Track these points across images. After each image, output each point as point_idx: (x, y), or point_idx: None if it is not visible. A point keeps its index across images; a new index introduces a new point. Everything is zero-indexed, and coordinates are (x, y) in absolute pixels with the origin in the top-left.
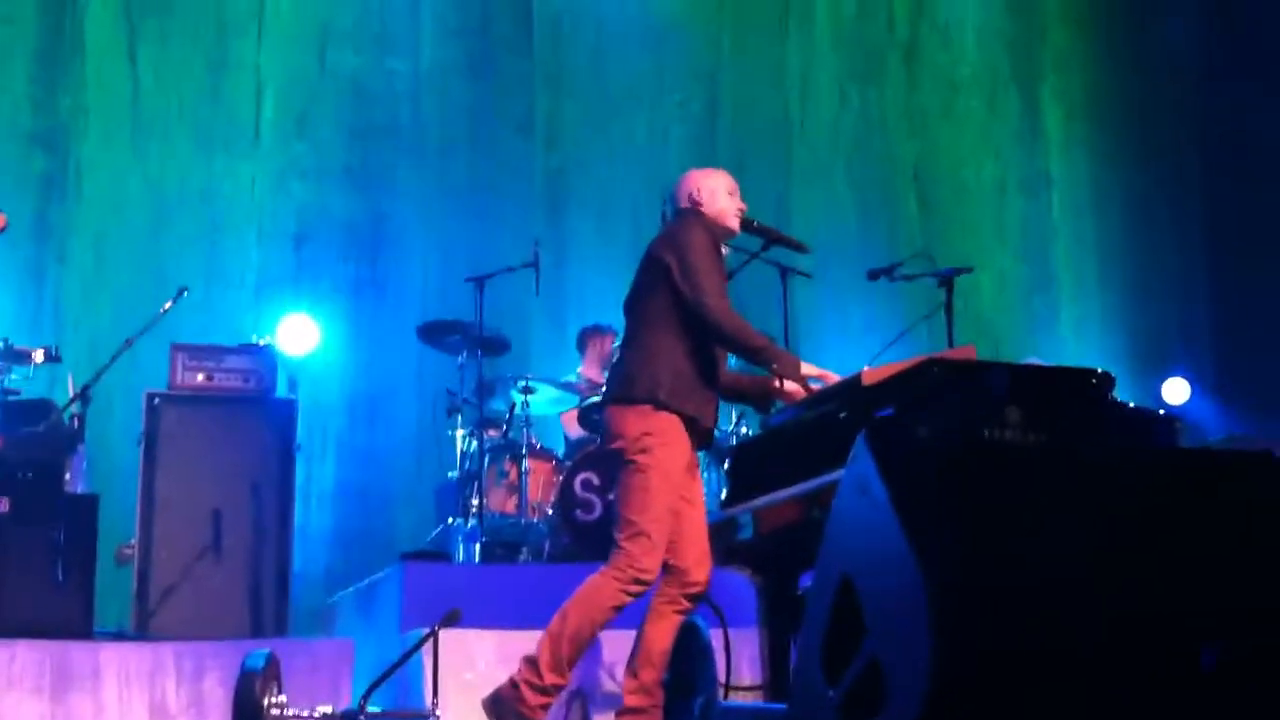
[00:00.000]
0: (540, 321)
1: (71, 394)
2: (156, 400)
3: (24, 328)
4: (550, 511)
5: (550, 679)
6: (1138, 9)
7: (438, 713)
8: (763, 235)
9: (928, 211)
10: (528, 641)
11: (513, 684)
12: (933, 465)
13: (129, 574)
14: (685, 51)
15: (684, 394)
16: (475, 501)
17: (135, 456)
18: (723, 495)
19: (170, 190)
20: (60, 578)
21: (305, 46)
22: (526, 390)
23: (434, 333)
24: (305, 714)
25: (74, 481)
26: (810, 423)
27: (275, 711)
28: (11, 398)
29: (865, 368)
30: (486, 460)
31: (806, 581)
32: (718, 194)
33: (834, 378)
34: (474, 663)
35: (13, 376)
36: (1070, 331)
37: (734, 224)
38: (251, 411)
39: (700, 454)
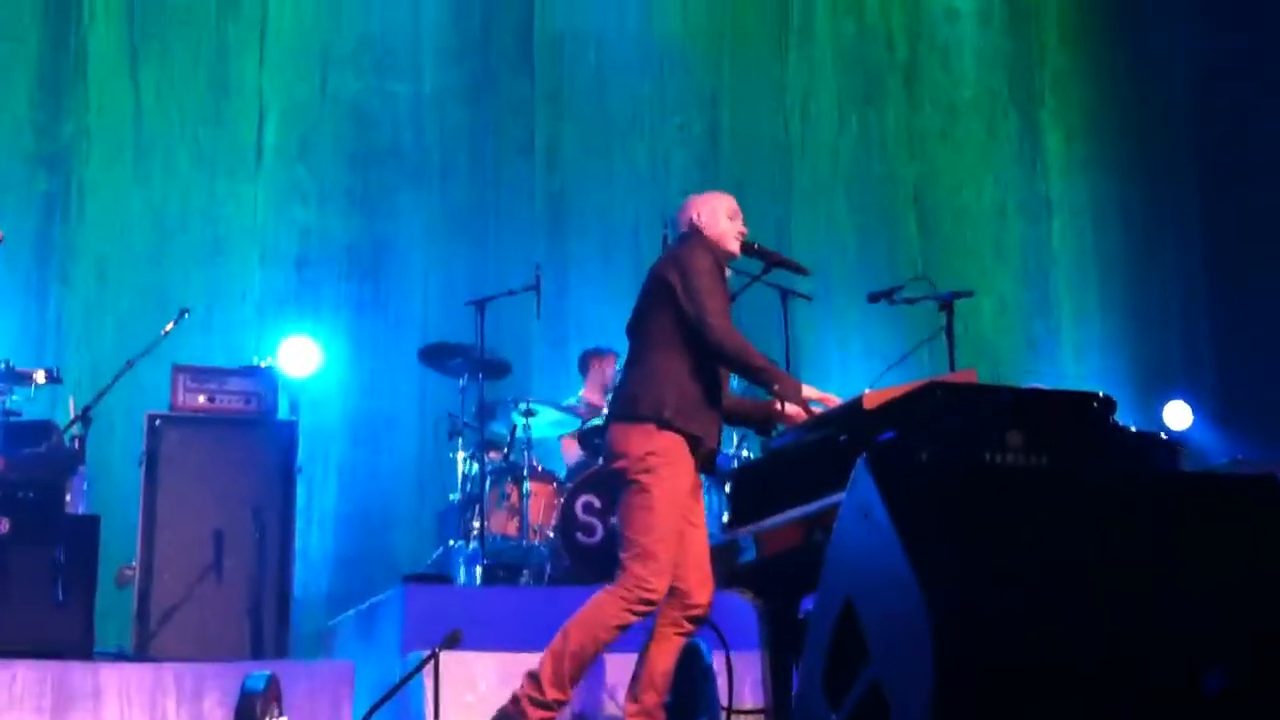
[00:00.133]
0: (541, 344)
1: (73, 415)
2: (158, 421)
3: (26, 348)
4: (551, 534)
5: (552, 694)
6: (1137, 32)
7: None
8: (763, 258)
9: (928, 234)
10: (529, 663)
11: (514, 699)
12: (935, 488)
13: (130, 595)
14: (686, 74)
15: (689, 413)
16: (476, 524)
17: (136, 478)
18: (724, 518)
19: (172, 212)
20: (61, 598)
21: (307, 70)
22: (528, 413)
23: (435, 355)
24: None
25: (75, 502)
26: (812, 446)
27: None
28: (13, 419)
29: (867, 391)
30: (488, 483)
31: (808, 605)
32: (719, 217)
33: (835, 400)
34: (475, 685)
35: (14, 397)
36: (1071, 355)
37: (734, 247)
38: (253, 433)
39: (702, 477)
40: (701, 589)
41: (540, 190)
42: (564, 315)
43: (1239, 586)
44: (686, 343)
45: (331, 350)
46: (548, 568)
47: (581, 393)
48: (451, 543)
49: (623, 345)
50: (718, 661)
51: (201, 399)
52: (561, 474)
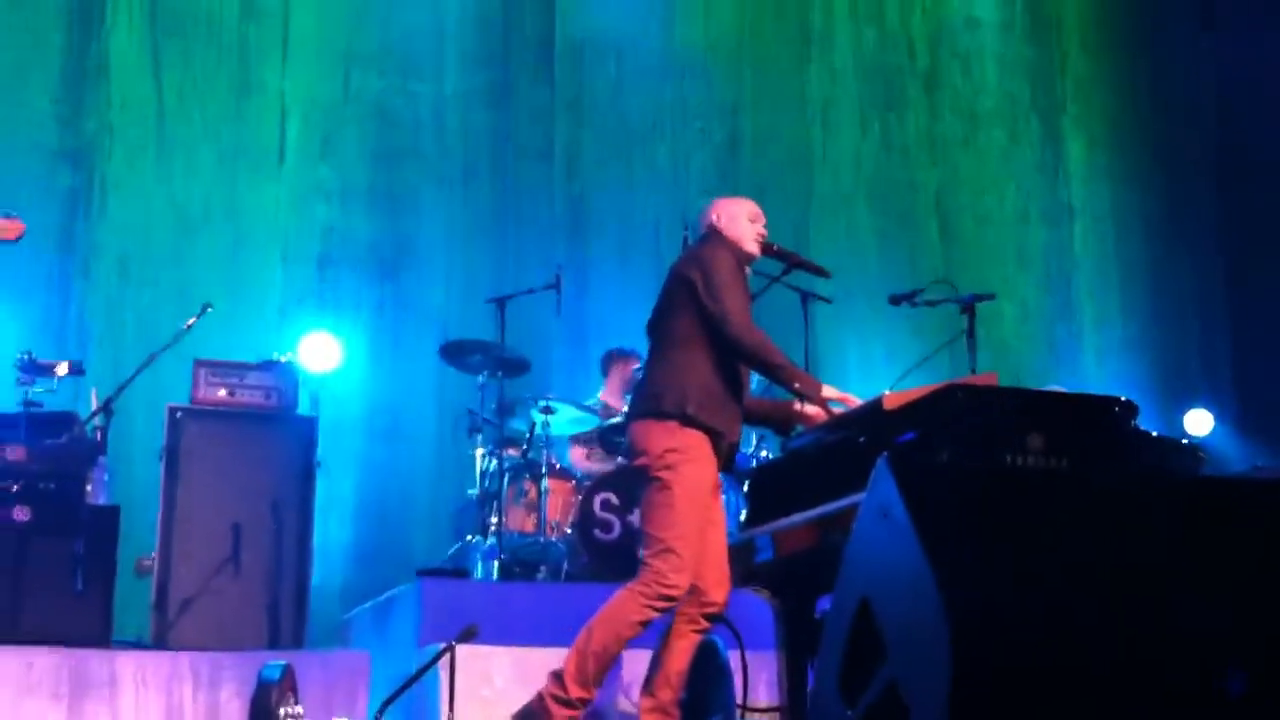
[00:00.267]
0: (561, 344)
1: (94, 407)
2: (179, 414)
3: (48, 342)
4: (569, 531)
5: (576, 693)
6: (1158, 40)
7: None
8: (783, 259)
9: (949, 241)
10: (545, 659)
11: (539, 698)
12: (955, 490)
13: (148, 585)
14: (706, 80)
15: (711, 409)
16: (494, 520)
17: (157, 470)
18: (742, 517)
19: (194, 209)
20: (80, 587)
21: (330, 70)
22: (546, 410)
23: (455, 352)
24: None
25: (96, 493)
26: (831, 446)
27: None
28: (35, 410)
29: (887, 392)
30: (506, 479)
31: (825, 605)
32: (739, 219)
33: (855, 401)
34: (490, 679)
35: (36, 389)
36: (1093, 361)
37: (754, 248)
38: (273, 427)
39: (721, 475)
40: (718, 587)
41: (560, 194)
42: (583, 316)
43: (1255, 591)
44: (708, 340)
45: (352, 347)
46: (565, 564)
47: (600, 394)
48: (469, 538)
49: (644, 347)
50: (733, 660)
51: (222, 393)
52: (580, 471)
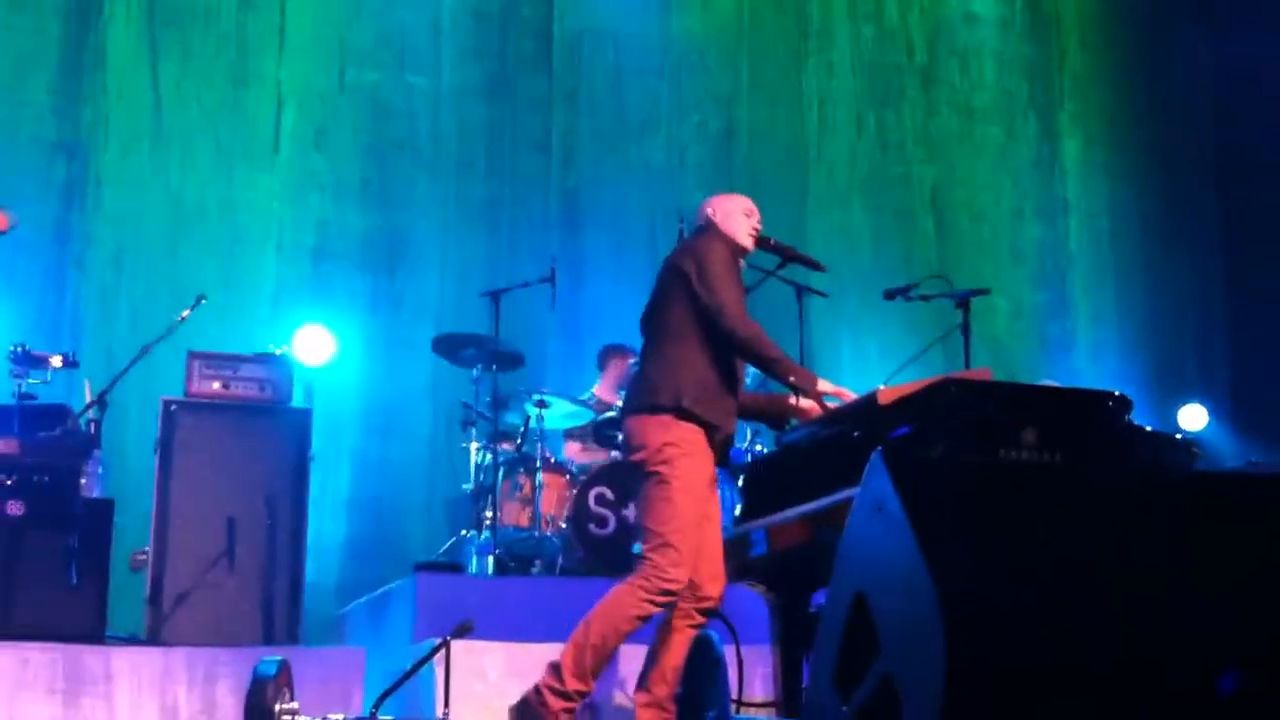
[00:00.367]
0: (555, 338)
1: (88, 399)
2: (173, 407)
3: (43, 334)
4: (564, 525)
5: (573, 685)
6: (1156, 38)
7: None
8: (778, 253)
9: (945, 237)
10: (540, 654)
11: (536, 690)
12: (949, 485)
13: (143, 580)
14: (703, 74)
15: (706, 402)
16: (489, 514)
17: (151, 463)
18: (737, 511)
19: (190, 201)
20: (74, 582)
21: (325, 62)
22: (541, 404)
23: (449, 346)
24: None
25: (89, 486)
26: (826, 440)
27: (287, 718)
28: (28, 402)
29: (881, 386)
30: (500, 473)
31: (820, 599)
32: (733, 215)
33: (850, 395)
34: (485, 674)
35: (30, 381)
36: (1087, 357)
37: (748, 242)
38: (267, 420)
39: (716, 470)
40: (713, 581)
41: (556, 186)
42: (578, 309)
43: (1253, 587)
44: (702, 332)
45: (346, 339)
46: (560, 559)
47: (595, 389)
48: (464, 532)
49: (639, 342)
50: (728, 654)
51: (216, 385)
52: (574, 465)
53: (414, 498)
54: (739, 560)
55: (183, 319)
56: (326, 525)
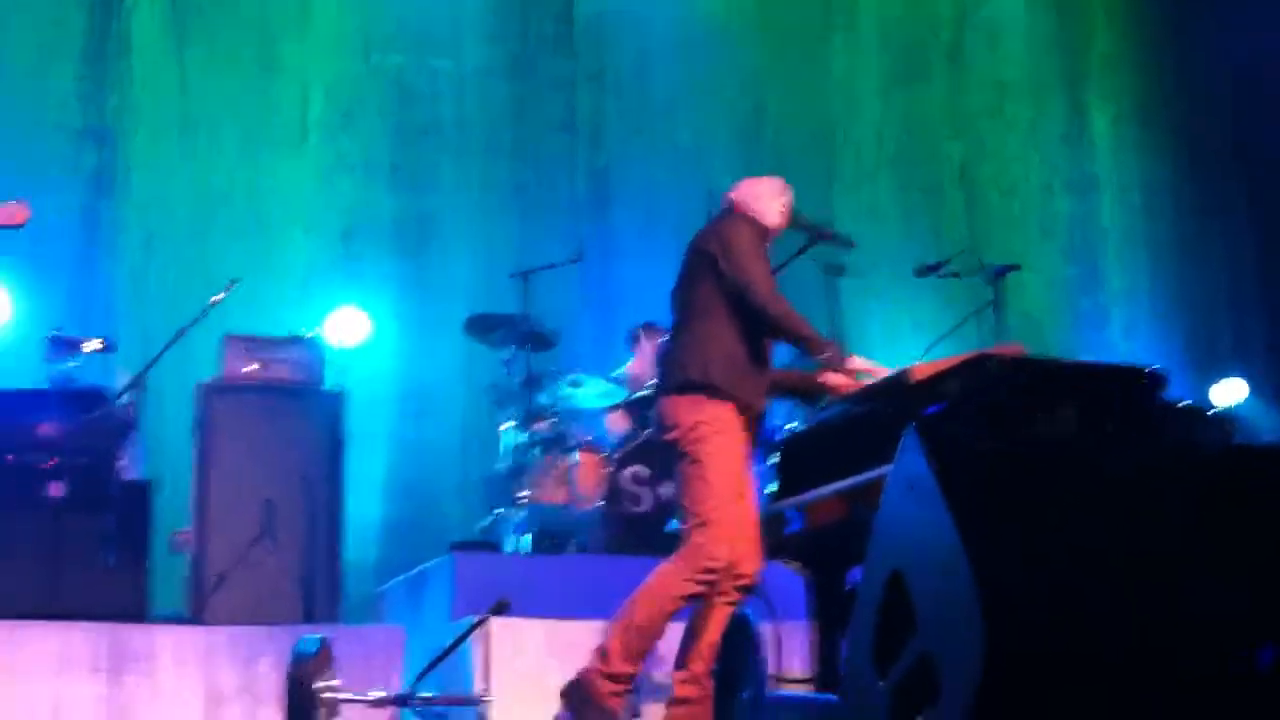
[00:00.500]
0: (586, 317)
1: (123, 383)
2: (209, 390)
3: (75, 320)
4: (599, 503)
5: (620, 668)
6: (1186, 12)
7: (488, 698)
8: (808, 231)
9: (974, 213)
10: (576, 631)
11: (586, 673)
12: (983, 460)
13: (183, 560)
14: (729, 53)
15: (736, 378)
16: (524, 493)
17: (187, 445)
18: (771, 489)
19: (218, 186)
20: (110, 562)
21: (350, 45)
22: (574, 384)
23: (481, 326)
24: (358, 698)
25: (128, 469)
26: (859, 417)
27: (328, 695)
28: (67, 386)
29: (915, 363)
30: (535, 452)
31: (856, 576)
32: (761, 196)
33: (883, 371)
34: (523, 651)
35: (67, 365)
36: (1120, 332)
37: (777, 220)
38: (302, 402)
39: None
40: (750, 559)
41: (583, 166)
42: (608, 288)
43: None
44: (731, 309)
45: (378, 321)
46: (595, 537)
47: (628, 366)
48: (499, 511)
49: (669, 321)
50: (766, 631)
51: (252, 368)
52: (609, 443)
53: (449, 477)
54: (774, 538)
55: (215, 302)
56: (363, 506)
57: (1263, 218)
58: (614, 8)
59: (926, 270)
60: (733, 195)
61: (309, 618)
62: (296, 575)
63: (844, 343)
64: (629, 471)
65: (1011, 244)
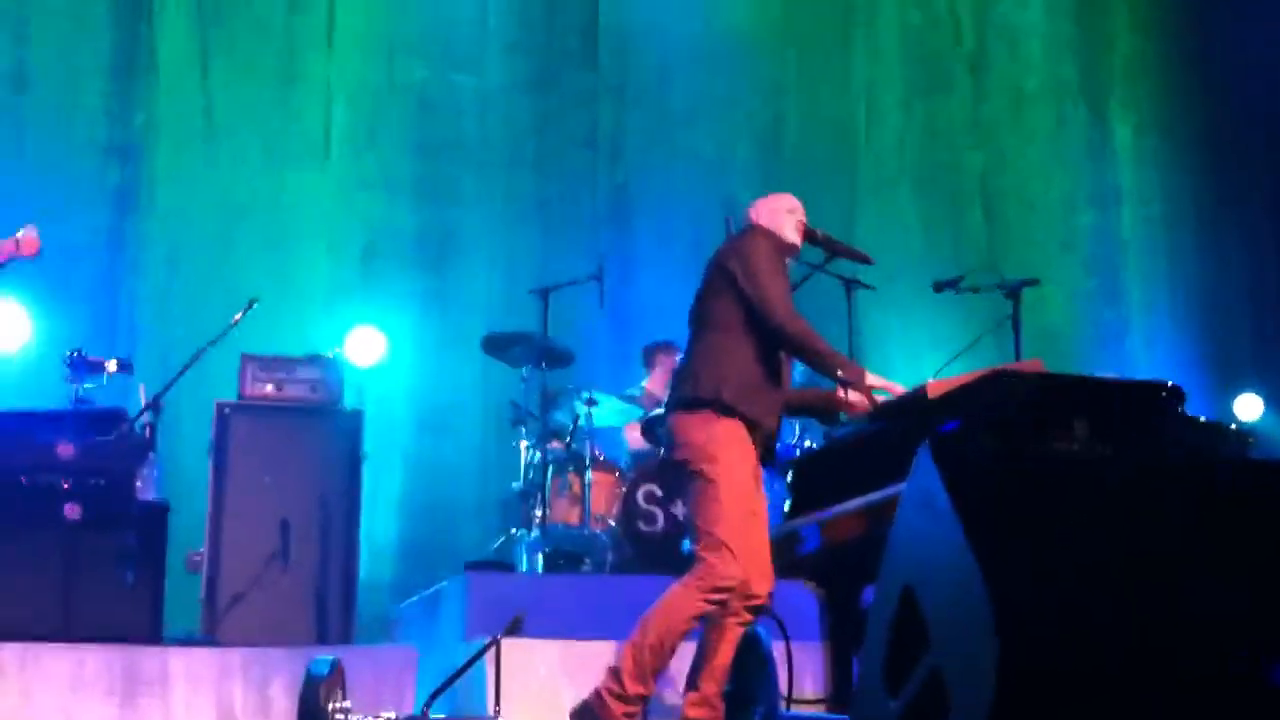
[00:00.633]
0: (604, 334)
1: (143, 403)
2: (226, 410)
3: (99, 338)
4: (613, 523)
5: (633, 689)
6: (1208, 20)
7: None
8: (826, 247)
9: (994, 224)
10: (590, 651)
11: (598, 694)
12: (998, 478)
13: (198, 581)
14: (751, 65)
15: (748, 396)
16: (538, 512)
17: (205, 465)
18: (786, 507)
19: (241, 201)
20: (129, 583)
21: (374, 60)
22: (590, 402)
23: (498, 344)
24: (370, 719)
25: (145, 489)
26: (875, 435)
27: (340, 717)
28: (84, 407)
29: (930, 380)
30: (550, 471)
31: (870, 596)
32: (778, 212)
33: (899, 389)
34: (536, 671)
35: (86, 386)
36: (1141, 346)
37: (794, 237)
38: (319, 422)
39: (762, 466)
40: (761, 580)
41: (604, 181)
42: (627, 305)
43: None
44: (747, 327)
45: (397, 339)
46: (609, 556)
47: (645, 384)
48: (514, 531)
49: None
50: (778, 651)
51: (269, 388)
52: (624, 462)
53: (465, 497)
54: (788, 557)
55: (235, 323)
56: (379, 525)
57: None
58: (638, 21)
59: (944, 285)
60: (750, 214)
61: (322, 638)
62: (310, 596)
63: (862, 358)
64: (643, 491)
65: (1032, 256)
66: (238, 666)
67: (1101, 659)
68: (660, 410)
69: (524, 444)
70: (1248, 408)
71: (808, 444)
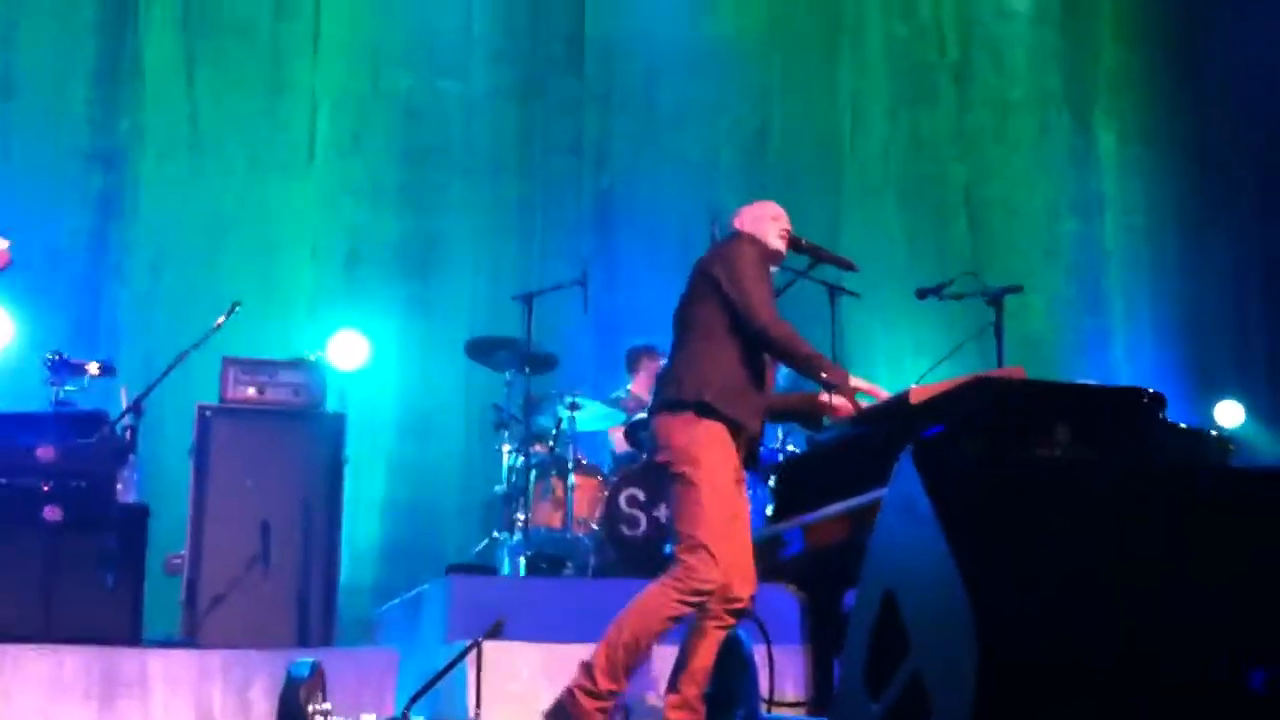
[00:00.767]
0: (588, 339)
1: (124, 406)
2: (208, 413)
3: (81, 342)
4: (596, 527)
5: (605, 685)
6: (1192, 29)
7: None
8: (810, 254)
9: (978, 233)
10: (571, 655)
11: (569, 691)
12: (979, 483)
13: (178, 583)
14: (737, 73)
15: (731, 398)
16: (521, 516)
17: (186, 468)
18: (769, 511)
19: (226, 209)
20: (111, 586)
21: (359, 67)
22: (573, 406)
23: (482, 349)
24: None
25: (126, 492)
26: (858, 440)
27: (320, 719)
28: (65, 409)
29: (913, 385)
30: (532, 475)
31: (852, 599)
32: (761, 219)
33: (883, 393)
34: (517, 675)
35: (67, 389)
36: (1123, 354)
37: (778, 244)
38: (301, 425)
39: (746, 471)
40: (743, 583)
41: (589, 188)
42: (612, 311)
43: None
44: (731, 331)
45: (380, 344)
46: (591, 559)
47: (629, 387)
48: (496, 534)
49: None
50: (759, 655)
51: (251, 391)
52: (607, 466)
53: (448, 500)
54: (770, 560)
55: (218, 326)
56: (361, 528)
57: (1269, 236)
58: (623, 28)
59: (927, 292)
60: (736, 219)
61: (303, 641)
62: (291, 598)
63: (846, 364)
64: (625, 494)
65: (1015, 265)
66: (217, 669)
67: (1083, 664)
68: (644, 414)
69: (506, 448)
70: (1228, 415)
71: (790, 448)
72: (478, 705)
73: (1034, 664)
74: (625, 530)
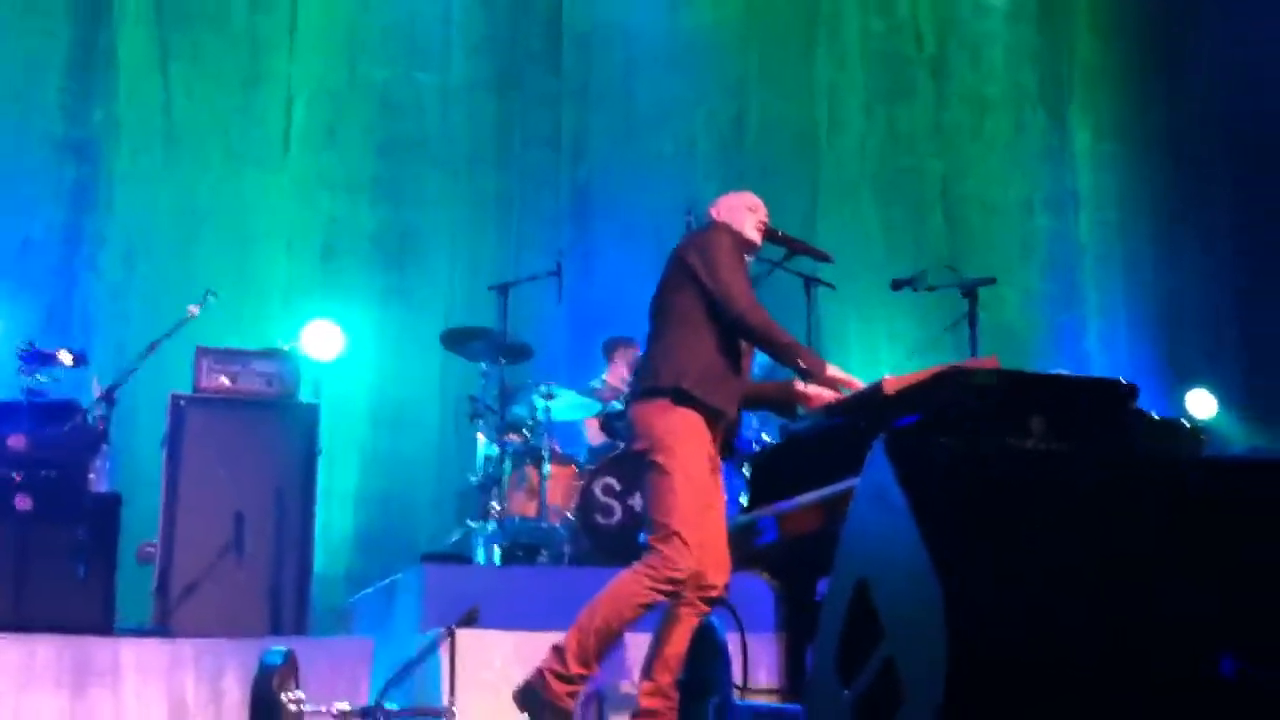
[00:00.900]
0: (563, 330)
1: (96, 395)
2: (181, 402)
3: (54, 333)
4: (570, 515)
5: (575, 669)
6: (1168, 26)
7: (454, 710)
8: (786, 245)
9: (954, 228)
10: (546, 643)
11: (539, 673)
12: (952, 473)
13: (150, 572)
14: (713, 67)
15: (708, 385)
16: (496, 505)
17: (159, 458)
18: (743, 500)
19: (201, 200)
20: (83, 575)
21: (335, 59)
22: (548, 396)
23: (457, 339)
24: (322, 710)
25: (98, 481)
26: (832, 430)
27: (292, 708)
28: (37, 399)
29: (887, 376)
30: (507, 465)
31: (825, 588)
32: (737, 209)
33: (859, 384)
34: (491, 663)
35: (40, 378)
36: (1097, 346)
37: (754, 235)
38: (275, 415)
39: (722, 460)
40: (717, 570)
41: (566, 180)
42: (587, 301)
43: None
44: (707, 319)
45: (355, 335)
46: (566, 548)
47: (604, 377)
48: (471, 523)
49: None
50: (733, 642)
51: (224, 380)
52: (582, 456)
53: (422, 490)
54: (745, 548)
55: (192, 315)
56: (335, 517)
57: (1241, 229)
58: (601, 21)
59: (902, 284)
60: (713, 209)
61: (277, 630)
62: (265, 587)
63: (822, 355)
64: (600, 484)
65: (991, 259)
66: (190, 657)
67: (1054, 647)
68: (619, 404)
69: (481, 437)
70: (1201, 405)
71: (764, 437)
72: (452, 693)
73: (1004, 647)
74: (600, 519)
